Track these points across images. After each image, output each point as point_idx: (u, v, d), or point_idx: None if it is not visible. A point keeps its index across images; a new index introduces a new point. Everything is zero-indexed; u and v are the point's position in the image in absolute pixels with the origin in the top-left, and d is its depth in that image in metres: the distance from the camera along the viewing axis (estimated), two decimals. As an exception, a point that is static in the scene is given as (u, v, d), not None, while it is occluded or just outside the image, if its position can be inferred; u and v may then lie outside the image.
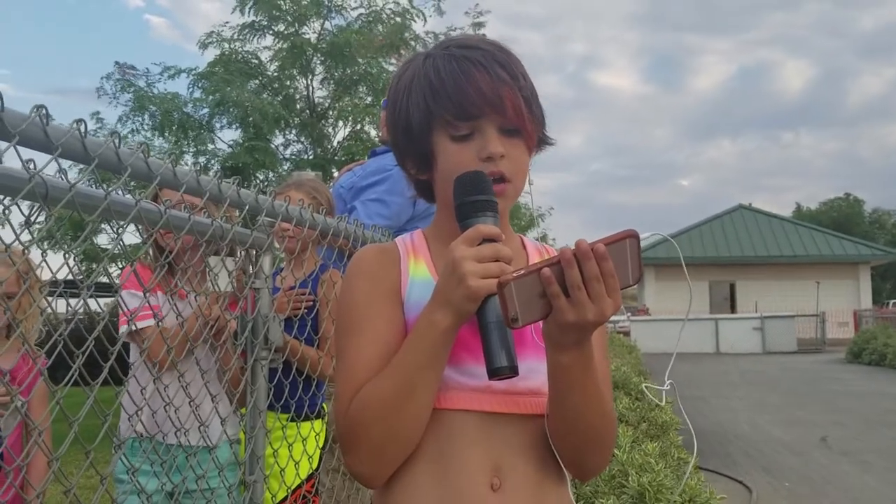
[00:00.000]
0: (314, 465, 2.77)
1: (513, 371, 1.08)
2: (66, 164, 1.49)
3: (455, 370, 1.18)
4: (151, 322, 2.28)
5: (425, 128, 1.25)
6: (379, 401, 1.14)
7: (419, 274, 1.27)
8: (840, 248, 33.26)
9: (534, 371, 1.19)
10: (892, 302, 41.40)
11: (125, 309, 2.08)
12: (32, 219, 1.41)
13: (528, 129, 1.25)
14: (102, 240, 11.41)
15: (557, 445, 1.22)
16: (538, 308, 1.06)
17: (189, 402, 1.98)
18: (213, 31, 14.35)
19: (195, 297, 2.13)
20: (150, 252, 2.48)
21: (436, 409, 1.17)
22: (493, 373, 1.08)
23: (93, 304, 1.54)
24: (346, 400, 1.17)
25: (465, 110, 1.21)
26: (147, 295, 1.75)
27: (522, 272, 1.04)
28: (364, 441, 1.16)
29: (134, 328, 2.19)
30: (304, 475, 2.67)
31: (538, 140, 1.32)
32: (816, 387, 14.61)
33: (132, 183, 1.87)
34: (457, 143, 1.23)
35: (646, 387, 1.21)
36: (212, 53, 14.35)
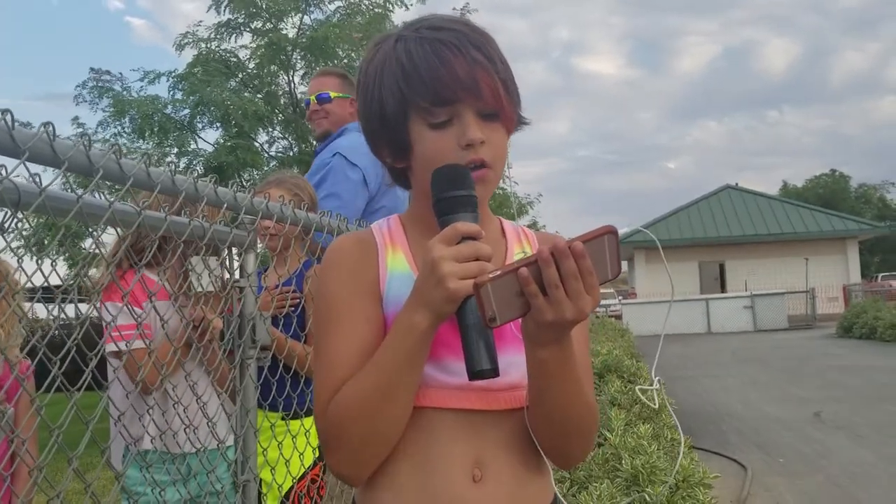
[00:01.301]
0: (306, 463, 2.76)
1: (494, 373, 1.07)
2: (40, 169, 1.47)
3: (434, 367, 1.17)
4: (139, 344, 2.25)
5: (400, 115, 1.21)
6: (358, 401, 1.12)
7: (398, 267, 1.24)
8: (827, 223, 33.43)
9: (513, 365, 1.18)
10: (880, 275, 41.72)
11: (110, 324, 2.05)
12: (5, 225, 1.39)
13: (507, 111, 1.22)
14: (89, 243, 11.35)
15: (538, 436, 1.20)
16: (516, 306, 1.05)
17: (174, 405, 1.96)
18: (188, 32, 14.28)
19: (176, 300, 2.10)
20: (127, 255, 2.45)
21: (416, 407, 1.16)
22: (475, 375, 1.07)
23: (72, 309, 1.52)
24: (325, 400, 1.16)
25: (442, 96, 1.17)
26: (130, 308, 1.73)
27: (499, 273, 1.02)
28: (344, 441, 1.14)
29: (124, 348, 2.14)
30: (295, 472, 2.66)
31: (517, 120, 1.29)
32: (809, 363, 14.70)
33: (114, 186, 1.85)
34: (435, 130, 1.19)
35: (638, 389, 1.21)
36: (189, 54, 14.25)
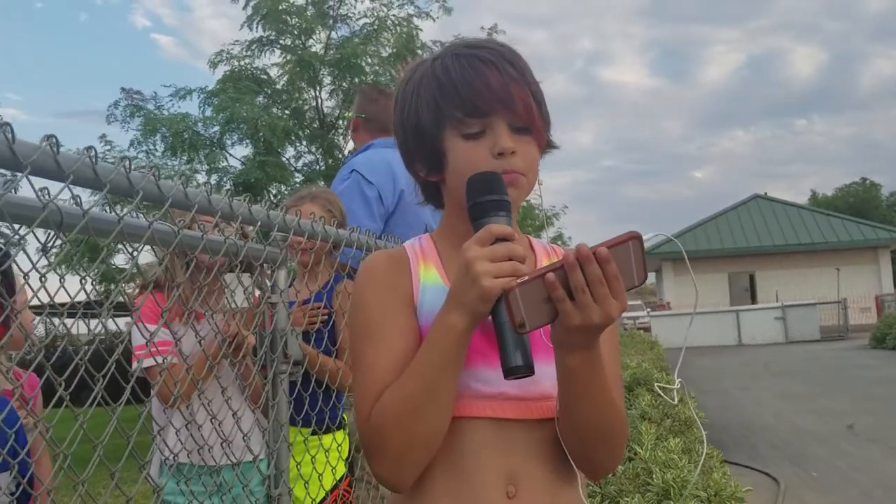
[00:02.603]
0: (338, 476, 2.79)
1: (528, 370, 1.09)
2: (78, 189, 1.52)
3: (468, 376, 1.19)
4: (156, 360, 2.30)
5: (435, 127, 1.25)
6: (399, 405, 1.14)
7: (430, 279, 1.27)
8: (859, 233, 32.96)
9: (545, 375, 1.19)
10: (914, 285, 40.94)
11: (138, 342, 2.10)
12: (49, 245, 1.44)
13: (538, 126, 1.25)
14: (120, 260, 11.51)
15: (569, 446, 1.22)
16: (545, 312, 1.06)
17: (211, 420, 2.00)
18: (222, 50, 14.47)
19: (212, 316, 2.15)
20: (166, 273, 2.50)
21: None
22: (509, 372, 1.09)
23: (111, 325, 1.57)
24: (367, 407, 1.18)
25: (476, 107, 1.21)
26: (157, 331, 1.78)
27: (527, 278, 1.04)
28: (387, 446, 1.16)
29: (139, 366, 2.19)
30: (327, 486, 2.68)
31: (546, 142, 1.32)
32: (841, 374, 14.48)
33: (144, 205, 1.90)
34: (468, 140, 1.23)
35: (658, 387, 1.21)
36: (221, 71, 14.42)
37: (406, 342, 1.21)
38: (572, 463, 1.23)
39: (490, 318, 1.12)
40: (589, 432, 1.19)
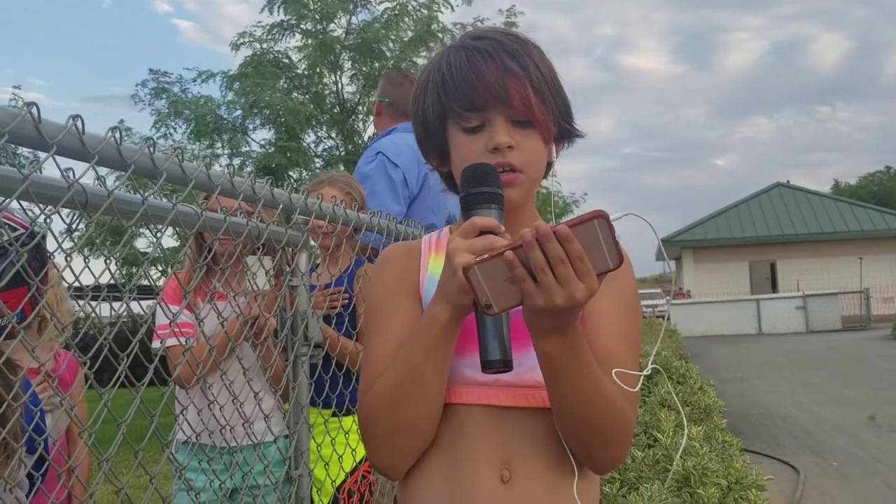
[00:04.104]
0: (357, 458, 2.80)
1: (505, 365, 1.08)
2: (102, 170, 1.53)
3: (464, 364, 1.20)
4: (179, 341, 2.32)
5: (439, 121, 1.28)
6: (386, 393, 1.18)
7: (437, 270, 1.26)
8: (882, 222, 32.56)
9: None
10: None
11: (159, 323, 2.12)
12: (73, 226, 1.45)
13: (539, 119, 1.23)
14: (141, 243, 11.61)
15: (564, 438, 1.19)
16: (512, 293, 1.03)
17: (233, 401, 2.01)
18: (245, 32, 14.48)
19: (234, 297, 2.16)
20: (190, 253, 2.52)
21: (447, 403, 1.20)
22: (486, 365, 1.09)
23: (135, 307, 1.58)
24: (364, 394, 1.22)
25: (473, 102, 1.22)
26: (178, 313, 1.80)
27: (486, 256, 1.02)
28: (377, 433, 1.20)
29: (162, 346, 2.21)
30: (347, 468, 2.70)
31: (563, 131, 1.31)
32: (863, 364, 14.37)
33: (169, 187, 1.91)
34: (468, 134, 1.25)
35: (615, 372, 1.14)
36: (243, 55, 14.43)
37: (409, 328, 1.22)
38: (569, 455, 1.20)
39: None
40: (578, 422, 1.15)
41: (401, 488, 1.27)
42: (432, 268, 1.30)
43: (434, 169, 1.37)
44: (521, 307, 1.05)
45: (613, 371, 1.14)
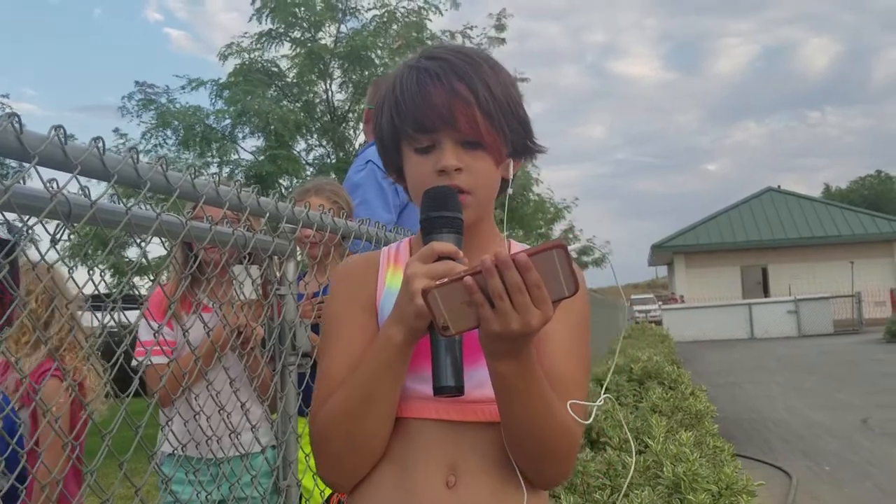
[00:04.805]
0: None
1: (458, 391, 1.10)
2: (88, 181, 1.52)
3: (415, 379, 1.21)
4: (162, 360, 2.31)
5: (393, 141, 1.29)
6: (338, 410, 1.19)
7: (395, 284, 1.28)
8: (873, 225, 32.74)
9: (489, 379, 1.18)
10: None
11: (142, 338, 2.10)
12: (57, 237, 1.44)
13: (487, 141, 1.23)
14: (133, 252, 11.57)
15: (513, 454, 1.21)
16: (469, 316, 1.05)
17: (219, 411, 2.00)
18: (232, 42, 14.46)
19: (220, 308, 2.15)
20: (175, 264, 2.50)
21: (398, 417, 1.21)
22: (438, 391, 1.11)
23: (121, 317, 1.56)
24: (318, 409, 1.23)
25: (422, 125, 1.23)
26: (158, 329, 1.79)
27: (446, 280, 1.04)
28: (328, 450, 1.22)
29: (142, 364, 2.21)
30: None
31: (522, 147, 1.31)
32: (855, 368, 14.42)
33: (155, 196, 1.90)
34: (419, 154, 1.26)
35: (570, 404, 1.16)
36: (232, 64, 14.41)
37: (364, 343, 1.24)
38: (517, 470, 1.21)
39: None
40: (527, 442, 1.18)
41: (349, 496, 1.28)
42: (390, 281, 1.31)
43: (395, 182, 1.38)
44: (477, 329, 1.07)
45: (569, 403, 1.16)
